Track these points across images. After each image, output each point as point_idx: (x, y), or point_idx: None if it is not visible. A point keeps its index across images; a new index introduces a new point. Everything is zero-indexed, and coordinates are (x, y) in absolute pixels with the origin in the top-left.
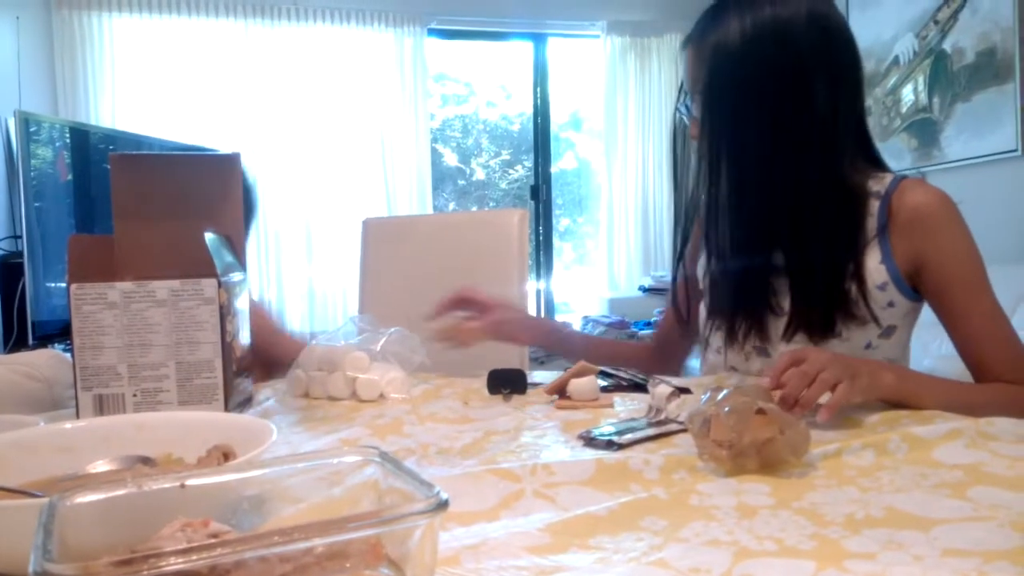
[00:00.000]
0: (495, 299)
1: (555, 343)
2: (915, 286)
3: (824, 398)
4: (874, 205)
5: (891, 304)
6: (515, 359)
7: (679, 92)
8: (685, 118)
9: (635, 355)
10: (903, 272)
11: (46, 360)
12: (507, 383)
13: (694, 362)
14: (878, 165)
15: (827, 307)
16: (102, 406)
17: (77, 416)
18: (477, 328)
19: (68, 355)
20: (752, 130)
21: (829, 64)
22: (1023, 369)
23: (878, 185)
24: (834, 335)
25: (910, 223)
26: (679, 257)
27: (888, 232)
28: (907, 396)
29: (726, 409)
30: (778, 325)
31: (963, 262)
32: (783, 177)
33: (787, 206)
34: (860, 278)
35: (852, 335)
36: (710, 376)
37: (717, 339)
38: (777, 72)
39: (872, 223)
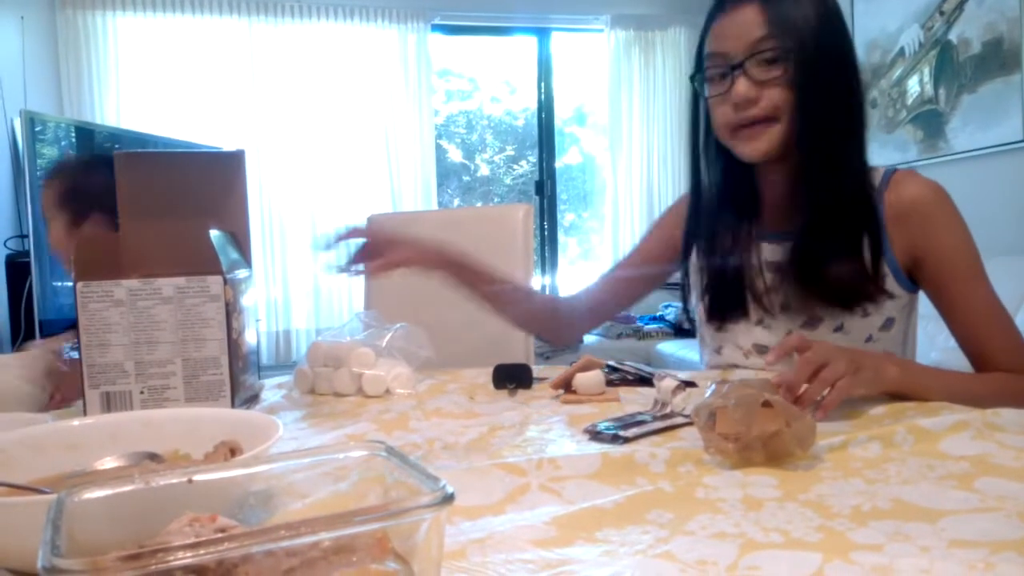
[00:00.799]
0: (398, 235)
1: (459, 274)
2: (913, 278)
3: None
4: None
5: (891, 296)
6: (520, 354)
7: (698, 59)
8: (726, 80)
9: (532, 307)
10: (902, 264)
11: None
12: (512, 378)
13: (693, 355)
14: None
15: (837, 294)
16: (109, 403)
17: (84, 413)
18: (384, 261)
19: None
20: (834, 94)
21: (851, 50)
22: (1021, 358)
23: (875, 177)
24: (823, 323)
25: (907, 216)
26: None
27: (885, 225)
28: (912, 388)
29: (732, 402)
30: (781, 317)
31: (961, 253)
32: (842, 150)
33: (836, 178)
34: (875, 267)
35: (853, 328)
36: (714, 370)
37: (716, 339)
38: (845, 41)
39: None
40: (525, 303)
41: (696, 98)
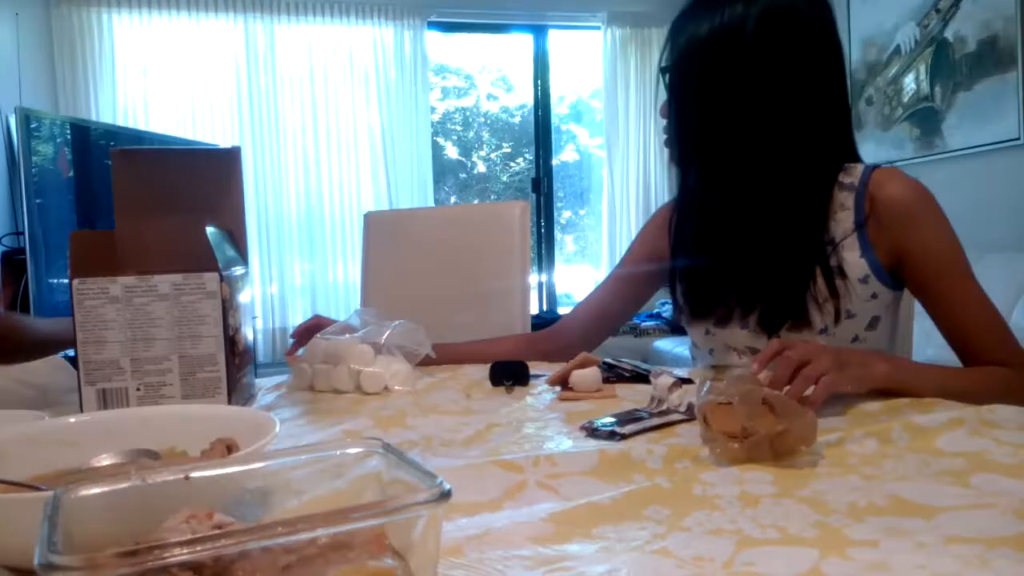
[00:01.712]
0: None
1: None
2: (896, 277)
3: (810, 391)
4: (848, 198)
5: (874, 296)
6: None
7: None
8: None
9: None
10: (885, 265)
11: (41, 366)
12: (510, 375)
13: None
14: (853, 155)
15: (800, 300)
16: (106, 400)
17: (81, 410)
18: None
19: (63, 358)
20: (719, 117)
21: (801, 64)
22: (1012, 351)
23: (850, 177)
24: (809, 327)
25: (888, 216)
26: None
27: (866, 225)
28: (903, 385)
29: (736, 400)
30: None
31: (945, 251)
32: (745, 171)
33: (753, 199)
34: (842, 274)
35: (838, 329)
36: (709, 368)
37: (707, 341)
38: (738, 68)
39: (848, 216)
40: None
41: None
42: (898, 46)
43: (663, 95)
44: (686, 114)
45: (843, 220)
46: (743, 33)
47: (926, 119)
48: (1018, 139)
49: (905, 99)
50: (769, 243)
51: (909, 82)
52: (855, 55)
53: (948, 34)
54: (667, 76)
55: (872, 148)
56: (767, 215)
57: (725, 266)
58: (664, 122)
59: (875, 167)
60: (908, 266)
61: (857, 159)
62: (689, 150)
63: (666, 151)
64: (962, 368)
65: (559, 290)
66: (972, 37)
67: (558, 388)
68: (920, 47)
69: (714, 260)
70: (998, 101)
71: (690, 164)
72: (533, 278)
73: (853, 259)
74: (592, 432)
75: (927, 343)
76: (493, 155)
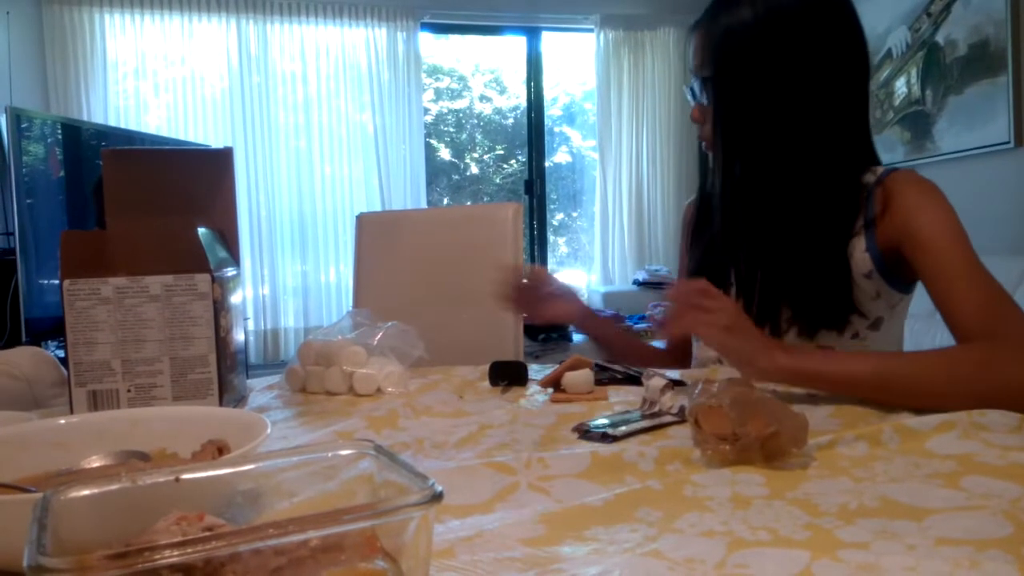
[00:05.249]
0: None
1: (592, 329)
2: (900, 272)
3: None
4: (862, 196)
5: (878, 295)
6: (510, 353)
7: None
8: (691, 101)
9: (655, 356)
10: (884, 254)
11: (27, 359)
12: (508, 375)
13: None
14: (874, 158)
15: (822, 301)
16: (96, 402)
17: (71, 411)
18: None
19: (50, 353)
20: (762, 120)
21: (839, 53)
22: (995, 323)
23: (871, 177)
24: (831, 328)
25: (889, 206)
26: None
27: (875, 223)
28: (804, 377)
29: (727, 402)
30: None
31: (934, 224)
32: (792, 167)
33: (792, 196)
34: (848, 271)
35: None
36: (702, 369)
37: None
38: (788, 60)
39: (859, 213)
40: (640, 360)
41: None
42: (889, 50)
43: (654, 98)
44: (741, 103)
45: (857, 219)
46: (789, 16)
47: (917, 122)
48: (1008, 143)
49: (896, 102)
50: (807, 236)
51: (900, 85)
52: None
53: (939, 38)
54: (704, 79)
55: None
56: (809, 205)
57: (760, 265)
58: (697, 126)
59: (893, 169)
60: (905, 247)
61: (877, 160)
62: (740, 143)
63: (659, 154)
64: (903, 352)
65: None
66: (963, 41)
67: (550, 390)
68: (911, 51)
69: (750, 259)
70: (988, 105)
71: (737, 157)
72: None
73: (859, 254)
74: (584, 434)
75: (915, 346)
76: (486, 157)
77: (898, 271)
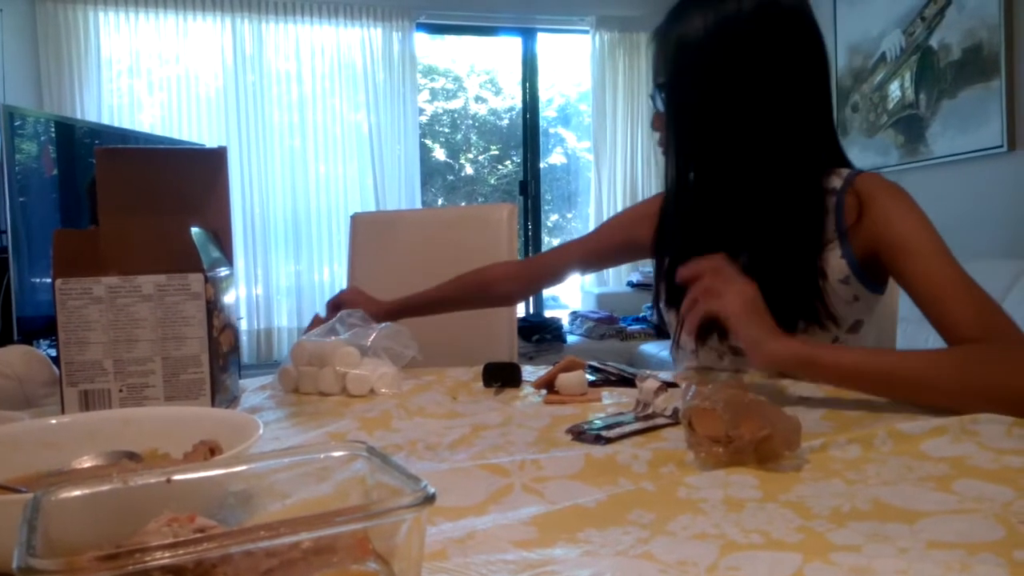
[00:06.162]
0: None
1: (397, 313)
2: (876, 275)
3: None
4: (831, 201)
5: (856, 298)
6: (504, 354)
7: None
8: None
9: (468, 300)
10: (860, 260)
11: (18, 357)
12: (501, 377)
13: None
14: (842, 160)
15: (789, 306)
16: (88, 402)
17: (63, 411)
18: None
19: (42, 352)
20: (714, 128)
21: (792, 61)
22: (986, 324)
23: (838, 180)
24: (798, 332)
25: (862, 211)
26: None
27: (846, 226)
28: (812, 365)
29: (720, 404)
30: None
31: (916, 233)
32: (747, 175)
33: (751, 203)
34: (823, 276)
35: (816, 329)
36: (692, 372)
37: (690, 341)
38: (738, 69)
39: (831, 220)
40: (462, 304)
41: None
42: (883, 53)
43: (649, 100)
44: (690, 111)
45: (828, 224)
46: (739, 25)
47: (911, 126)
48: (1001, 146)
49: (890, 106)
50: (770, 243)
51: (894, 89)
52: (841, 62)
53: (933, 42)
54: (660, 88)
55: (857, 154)
56: (769, 212)
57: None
58: (657, 134)
59: (859, 173)
60: (882, 252)
61: (845, 162)
62: (691, 151)
63: (653, 156)
64: (910, 351)
65: (545, 293)
66: (957, 45)
67: (544, 391)
68: (905, 55)
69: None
70: (982, 109)
71: (690, 165)
72: None
73: (834, 260)
74: (578, 436)
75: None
76: (481, 157)
77: (873, 274)
